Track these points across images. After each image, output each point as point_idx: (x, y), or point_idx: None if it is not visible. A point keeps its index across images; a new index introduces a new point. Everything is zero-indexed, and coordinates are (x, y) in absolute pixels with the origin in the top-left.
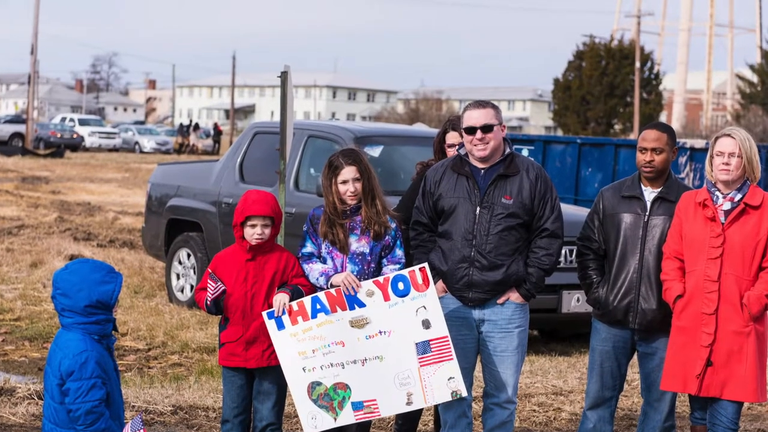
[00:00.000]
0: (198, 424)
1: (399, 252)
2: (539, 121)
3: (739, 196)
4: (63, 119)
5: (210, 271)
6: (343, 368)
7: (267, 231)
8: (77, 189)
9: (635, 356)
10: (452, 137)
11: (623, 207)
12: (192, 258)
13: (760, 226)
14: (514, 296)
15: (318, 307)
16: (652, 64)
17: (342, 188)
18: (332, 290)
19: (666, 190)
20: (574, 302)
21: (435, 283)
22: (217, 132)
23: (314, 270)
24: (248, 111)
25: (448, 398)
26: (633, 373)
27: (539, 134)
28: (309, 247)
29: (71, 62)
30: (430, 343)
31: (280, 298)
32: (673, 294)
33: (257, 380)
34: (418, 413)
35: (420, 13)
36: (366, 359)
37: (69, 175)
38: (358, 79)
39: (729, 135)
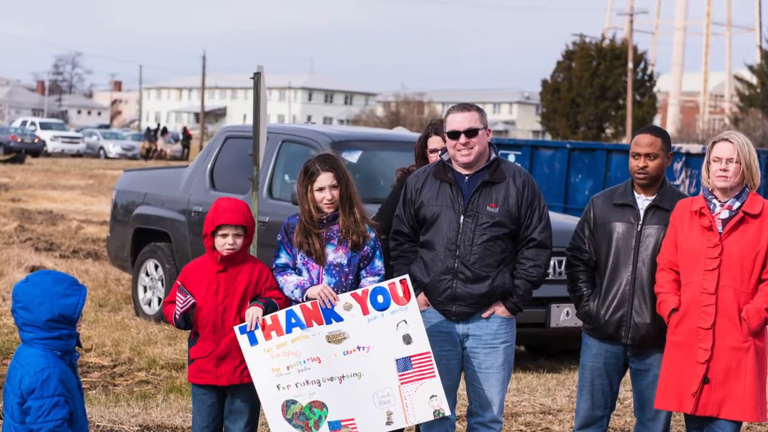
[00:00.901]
0: None
1: (378, 263)
2: (526, 124)
3: (737, 204)
4: (23, 123)
5: (179, 283)
6: (320, 386)
7: (239, 241)
8: (38, 196)
9: (628, 373)
10: (434, 142)
11: (615, 216)
12: (160, 269)
13: (760, 235)
14: (500, 310)
15: (293, 321)
16: (645, 64)
17: (318, 196)
18: (308, 303)
19: (660, 198)
20: (564, 316)
21: (416, 295)
22: (187, 136)
23: (289, 282)
24: (219, 114)
25: (431, 417)
26: (625, 390)
27: (526, 139)
28: (283, 258)
29: (32, 63)
30: (412, 359)
31: (253, 312)
32: (668, 307)
33: (229, 398)
34: None
35: (401, 12)
36: (343, 376)
37: (30, 182)
38: (335, 80)
39: (727, 140)
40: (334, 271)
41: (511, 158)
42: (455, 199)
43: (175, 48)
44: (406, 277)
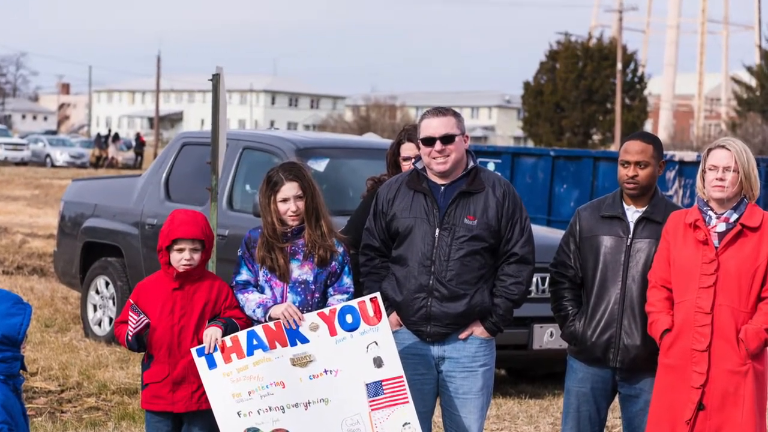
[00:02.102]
0: None
1: (347, 280)
2: (507, 130)
3: (735, 216)
4: None
5: (131, 301)
6: (284, 412)
7: (196, 256)
8: None
9: (616, 399)
10: (408, 149)
11: (603, 229)
12: (111, 287)
13: (759, 250)
14: (479, 330)
15: (255, 342)
16: (635, 65)
17: (282, 207)
18: (271, 324)
19: (651, 210)
20: (547, 337)
21: (388, 315)
22: (140, 143)
23: (250, 300)
24: (175, 119)
25: None
26: (614, 418)
27: (507, 145)
28: (244, 275)
29: None
30: (383, 383)
31: (212, 333)
32: (660, 328)
33: (185, 426)
34: None
35: (371, 8)
36: (309, 402)
37: None
38: (301, 82)
39: (723, 146)
40: (299, 289)
41: (491, 167)
42: (430, 211)
43: (128, 48)
44: (377, 295)
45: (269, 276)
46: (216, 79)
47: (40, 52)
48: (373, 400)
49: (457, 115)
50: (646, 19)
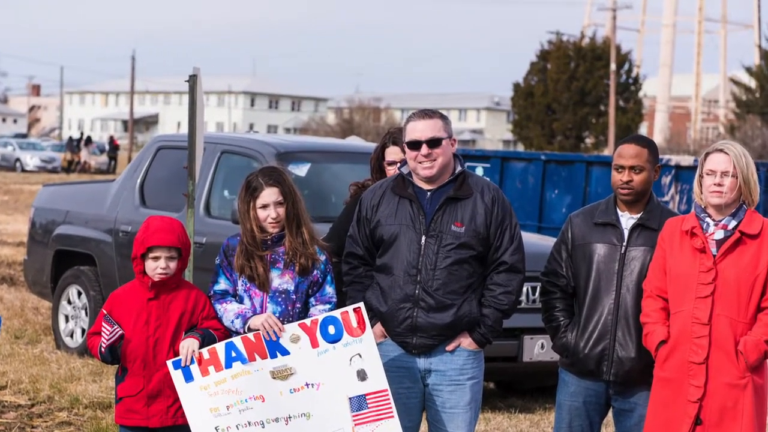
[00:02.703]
0: None
1: (329, 289)
2: (496, 133)
3: (733, 223)
4: None
5: (105, 312)
6: (263, 427)
7: (172, 264)
8: None
9: (610, 413)
10: (392, 153)
11: (596, 236)
12: (83, 297)
13: (759, 258)
14: (467, 342)
15: (233, 354)
16: (630, 66)
17: (262, 214)
18: (250, 335)
19: (647, 216)
20: (538, 349)
21: (372, 326)
22: (113, 147)
23: (229, 311)
24: (150, 122)
25: None
26: None
27: (496, 149)
28: (222, 284)
29: None
30: (367, 397)
31: (188, 345)
32: (656, 339)
33: None
34: None
35: (356, 7)
36: (290, 417)
37: None
38: (281, 83)
39: (721, 150)
40: (279, 299)
41: (479, 171)
42: (416, 218)
43: (101, 48)
44: (361, 305)
45: (248, 285)
46: (193, 80)
47: (10, 52)
48: (357, 415)
49: (444, 118)
50: (640, 18)
